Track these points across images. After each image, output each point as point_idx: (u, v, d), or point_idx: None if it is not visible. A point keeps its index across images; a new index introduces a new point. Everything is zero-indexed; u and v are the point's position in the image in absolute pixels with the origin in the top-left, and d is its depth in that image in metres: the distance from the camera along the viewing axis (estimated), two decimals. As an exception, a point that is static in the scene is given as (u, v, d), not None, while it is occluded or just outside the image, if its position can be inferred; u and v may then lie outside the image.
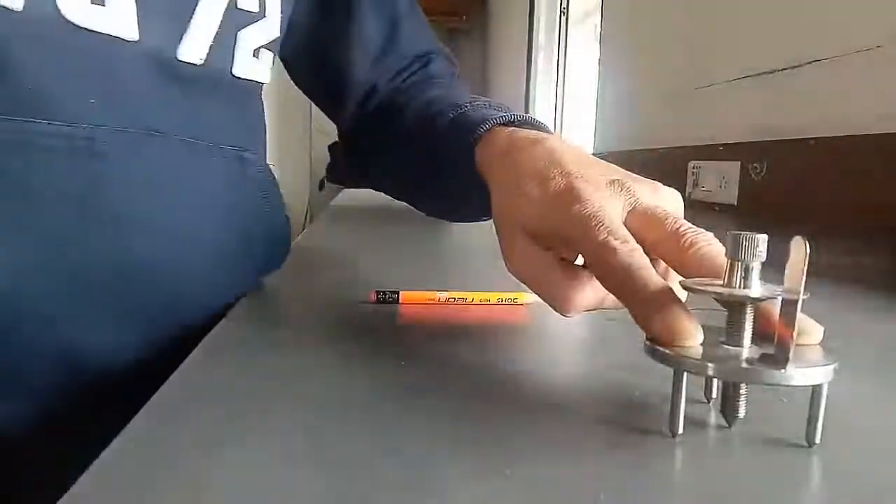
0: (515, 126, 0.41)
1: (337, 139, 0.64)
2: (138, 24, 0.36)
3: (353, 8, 0.55)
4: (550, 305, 0.33)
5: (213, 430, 0.25)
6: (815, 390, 0.24)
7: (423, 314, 0.45)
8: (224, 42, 0.41)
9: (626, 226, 0.31)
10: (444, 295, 0.46)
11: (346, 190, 1.80)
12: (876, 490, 0.22)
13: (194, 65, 0.40)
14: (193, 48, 0.40)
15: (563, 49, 2.76)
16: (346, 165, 0.63)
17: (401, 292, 0.47)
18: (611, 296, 0.30)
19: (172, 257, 0.40)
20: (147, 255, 0.38)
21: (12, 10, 0.31)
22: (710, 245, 0.29)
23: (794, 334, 0.23)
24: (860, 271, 0.67)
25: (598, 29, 2.08)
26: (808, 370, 0.23)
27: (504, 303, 0.46)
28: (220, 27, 0.41)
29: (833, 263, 0.65)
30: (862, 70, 0.85)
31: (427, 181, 0.51)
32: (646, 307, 0.26)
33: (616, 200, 0.32)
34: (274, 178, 0.50)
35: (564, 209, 0.31)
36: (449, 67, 0.61)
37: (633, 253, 0.28)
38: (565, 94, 2.75)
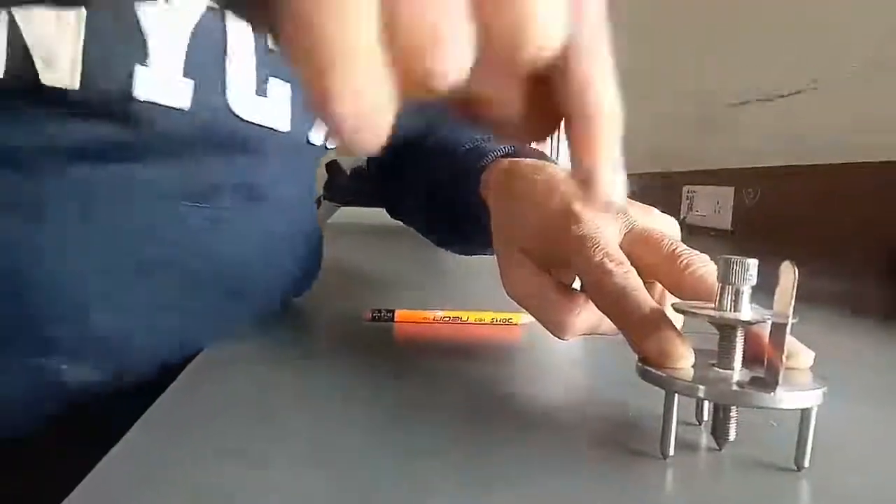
0: (520, 157, 0.42)
1: (333, 157, 0.65)
2: (291, 114, 0.39)
3: None
4: (546, 328, 0.33)
5: (209, 443, 0.25)
6: (805, 414, 0.24)
7: (419, 332, 0.45)
8: None
9: (622, 248, 0.31)
10: (439, 314, 0.47)
11: (343, 208, 1.81)
12: (863, 514, 0.22)
13: (317, 146, 0.43)
14: (321, 132, 0.42)
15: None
16: (371, 188, 0.65)
17: (396, 311, 0.47)
18: (606, 321, 0.30)
19: (253, 290, 0.43)
20: (239, 287, 0.42)
21: (180, 109, 0.33)
22: (705, 267, 0.30)
23: (784, 358, 0.23)
24: (851, 296, 0.67)
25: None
26: (797, 393, 0.24)
27: (499, 323, 0.47)
28: None
29: (825, 288, 0.65)
30: (853, 96, 0.86)
31: (437, 207, 0.52)
32: (638, 329, 0.27)
33: (613, 223, 0.32)
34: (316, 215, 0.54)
35: (562, 231, 0.32)
36: None
37: (627, 275, 0.29)
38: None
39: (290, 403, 0.30)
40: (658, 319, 0.27)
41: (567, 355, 0.41)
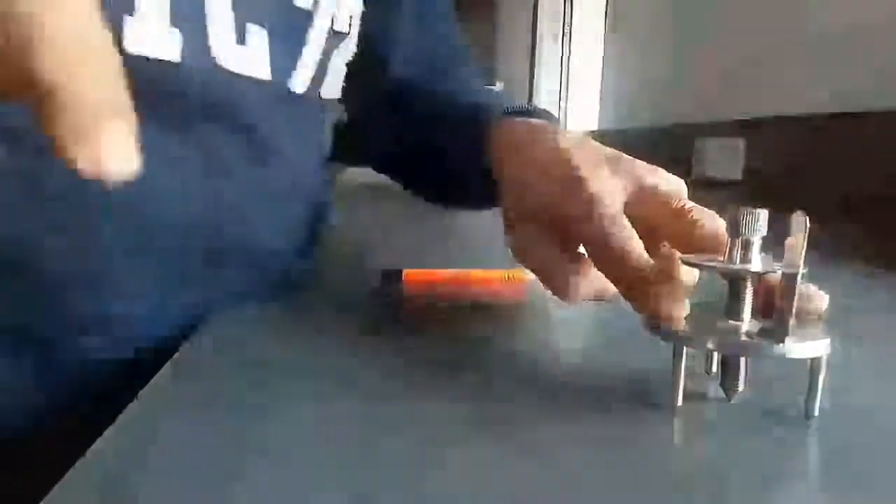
0: (525, 116, 0.42)
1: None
2: (271, 62, 0.37)
3: (395, 9, 0.55)
4: (552, 292, 0.33)
5: (220, 405, 0.25)
6: (814, 363, 0.24)
7: (427, 292, 0.45)
8: (320, 66, 0.42)
9: (629, 208, 0.31)
10: (446, 272, 0.47)
11: (350, 169, 1.80)
12: (873, 463, 0.22)
13: (300, 95, 0.41)
14: (301, 79, 0.41)
15: (569, 26, 2.73)
16: (348, 140, 0.63)
17: (404, 270, 0.47)
18: (611, 287, 0.31)
19: (266, 248, 0.42)
20: (255, 243, 0.41)
21: (170, 62, 0.32)
22: (713, 222, 0.30)
23: (793, 308, 0.23)
24: (863, 245, 0.67)
25: (605, 7, 2.06)
26: (806, 343, 0.24)
27: (507, 280, 0.47)
28: (321, 54, 0.42)
29: (836, 239, 0.65)
30: (860, 48, 0.84)
31: (430, 163, 0.52)
32: (633, 289, 0.28)
33: (618, 185, 0.32)
34: (329, 180, 0.52)
35: (567, 195, 0.32)
36: (474, 67, 0.61)
37: (629, 240, 0.29)
38: (570, 71, 2.73)
39: (296, 365, 0.30)
40: (653, 279, 0.27)
41: (576, 309, 0.41)
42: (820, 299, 0.27)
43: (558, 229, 0.33)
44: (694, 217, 0.30)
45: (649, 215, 0.32)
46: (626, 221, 0.30)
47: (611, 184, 0.32)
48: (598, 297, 0.33)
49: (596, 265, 0.31)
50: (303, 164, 0.45)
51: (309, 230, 0.49)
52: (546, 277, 0.33)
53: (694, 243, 0.30)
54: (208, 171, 0.37)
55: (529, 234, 0.34)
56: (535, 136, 0.37)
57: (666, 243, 0.32)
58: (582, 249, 0.33)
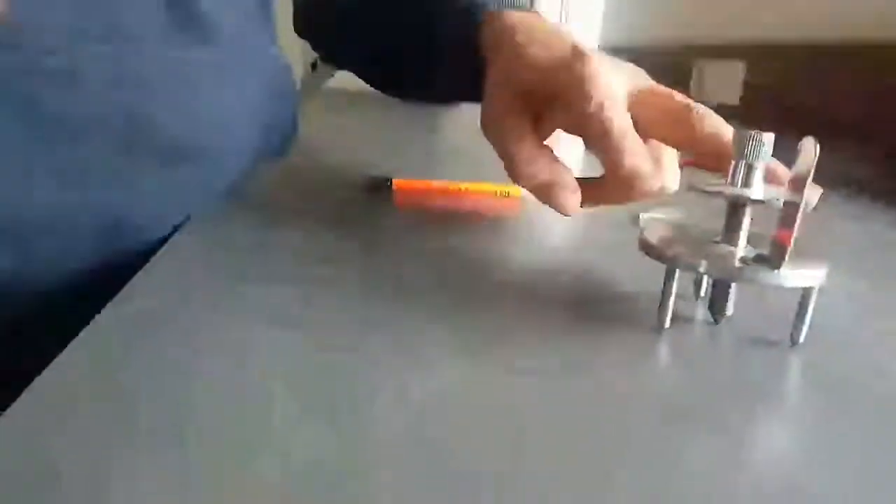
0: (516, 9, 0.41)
1: None
2: None
3: None
4: (505, 166, 0.34)
5: (206, 304, 0.25)
6: (805, 292, 0.24)
7: (416, 202, 0.44)
8: None
9: (631, 103, 0.32)
10: (437, 183, 0.46)
11: (340, 72, 1.75)
12: (853, 391, 0.22)
13: None
14: None
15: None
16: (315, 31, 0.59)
17: (394, 179, 0.46)
18: (557, 186, 0.32)
19: (217, 142, 0.39)
20: (194, 135, 0.37)
21: None
22: (718, 122, 0.30)
23: (793, 237, 0.23)
24: (859, 178, 0.66)
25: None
26: (800, 272, 0.23)
27: (499, 195, 0.46)
28: None
29: (832, 168, 0.64)
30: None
31: (414, 55, 0.49)
32: (622, 154, 0.29)
33: (620, 76, 0.32)
34: (289, 65, 0.49)
35: (569, 70, 0.32)
36: None
37: (621, 116, 0.30)
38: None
39: (282, 272, 0.30)
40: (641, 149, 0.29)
41: (565, 229, 0.40)
42: (814, 191, 0.26)
43: (546, 102, 0.34)
44: (701, 113, 0.30)
45: (654, 110, 0.32)
46: (618, 95, 0.31)
47: (613, 71, 0.32)
48: (540, 192, 0.33)
49: (586, 133, 0.31)
50: (249, 46, 0.41)
51: (269, 125, 0.45)
52: (505, 149, 0.34)
53: (696, 143, 0.30)
54: (112, 47, 0.32)
55: (507, 104, 0.34)
56: (536, 21, 0.37)
57: (653, 140, 0.32)
58: (548, 141, 0.34)
